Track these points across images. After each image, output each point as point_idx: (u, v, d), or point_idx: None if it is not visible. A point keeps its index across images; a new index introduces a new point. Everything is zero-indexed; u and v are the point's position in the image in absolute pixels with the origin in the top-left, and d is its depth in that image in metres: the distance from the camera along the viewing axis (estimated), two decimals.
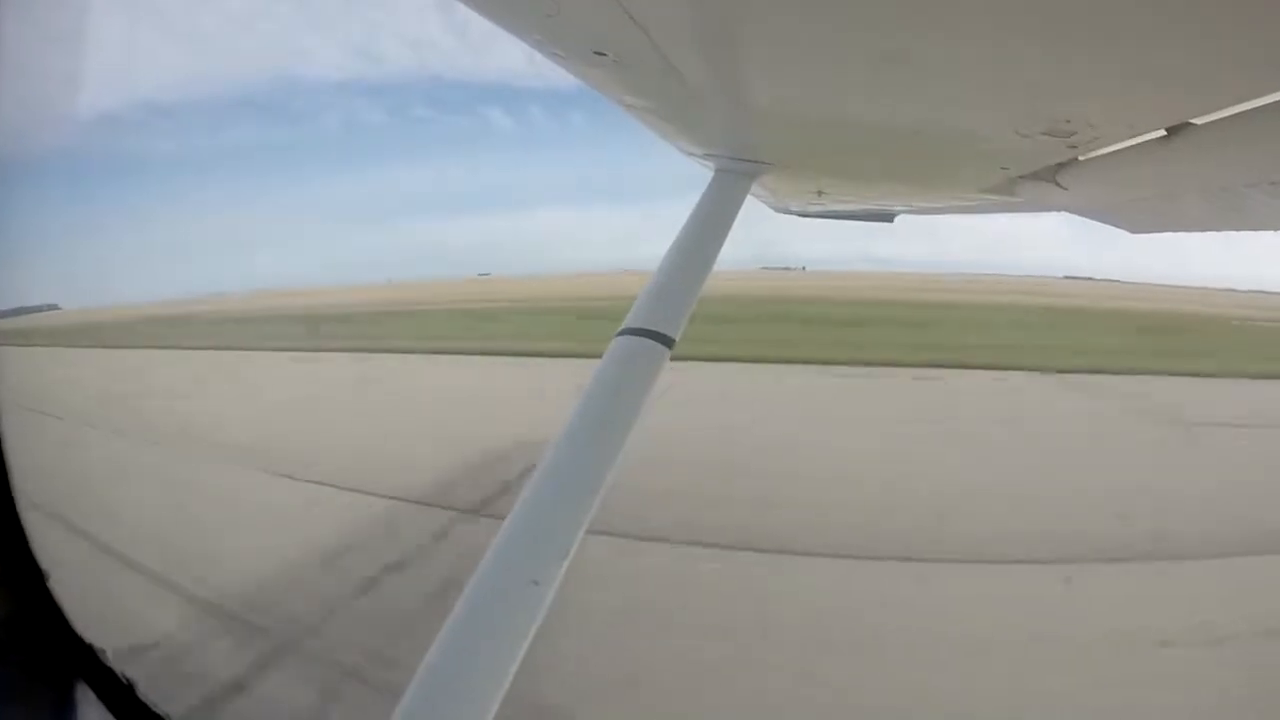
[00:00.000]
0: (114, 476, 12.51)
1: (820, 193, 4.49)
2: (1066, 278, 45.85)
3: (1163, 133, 1.95)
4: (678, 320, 2.66)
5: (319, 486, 11.72)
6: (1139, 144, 2.05)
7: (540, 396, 14.56)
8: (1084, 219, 3.45)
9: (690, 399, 14.57)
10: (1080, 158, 2.38)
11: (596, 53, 1.95)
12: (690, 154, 3.47)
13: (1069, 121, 1.93)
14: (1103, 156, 2.28)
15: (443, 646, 1.90)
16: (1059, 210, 3.34)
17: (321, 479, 11.96)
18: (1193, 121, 1.85)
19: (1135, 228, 3.31)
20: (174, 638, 7.39)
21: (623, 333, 2.59)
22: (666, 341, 2.58)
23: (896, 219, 5.26)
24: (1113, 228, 3.31)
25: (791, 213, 5.58)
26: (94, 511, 9.95)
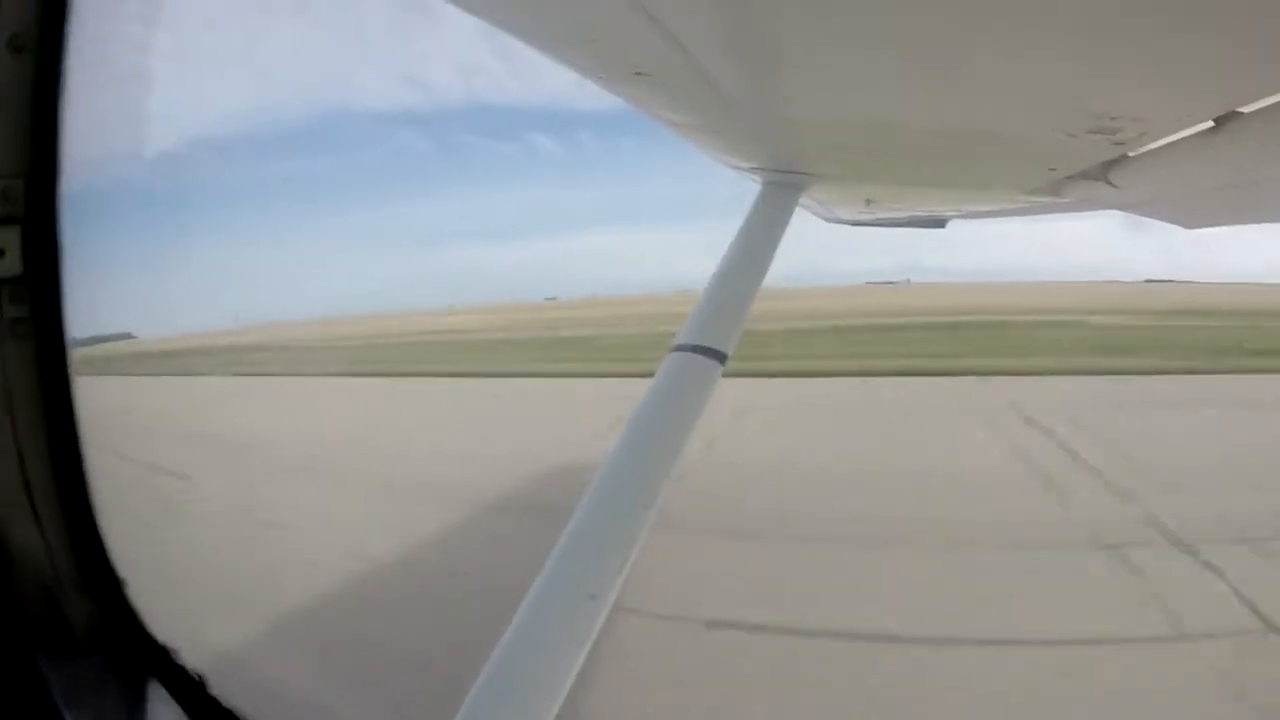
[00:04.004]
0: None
1: (869, 201, 4.49)
2: (1148, 281, 44.39)
3: (1211, 124, 1.93)
4: (730, 335, 2.68)
5: None
6: (1188, 137, 2.02)
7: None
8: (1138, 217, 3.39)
9: None
10: (1130, 154, 2.35)
11: (638, 73, 2.01)
12: (736, 168, 3.51)
13: (1114, 119, 1.92)
14: (1153, 151, 2.25)
15: (500, 660, 1.91)
16: (1111, 209, 3.28)
17: None
18: (1240, 110, 1.83)
19: (1190, 223, 3.23)
20: None
21: (676, 348, 2.61)
22: (719, 357, 2.60)
23: (948, 225, 5.22)
24: (1166, 224, 3.24)
25: (841, 222, 5.57)
26: None
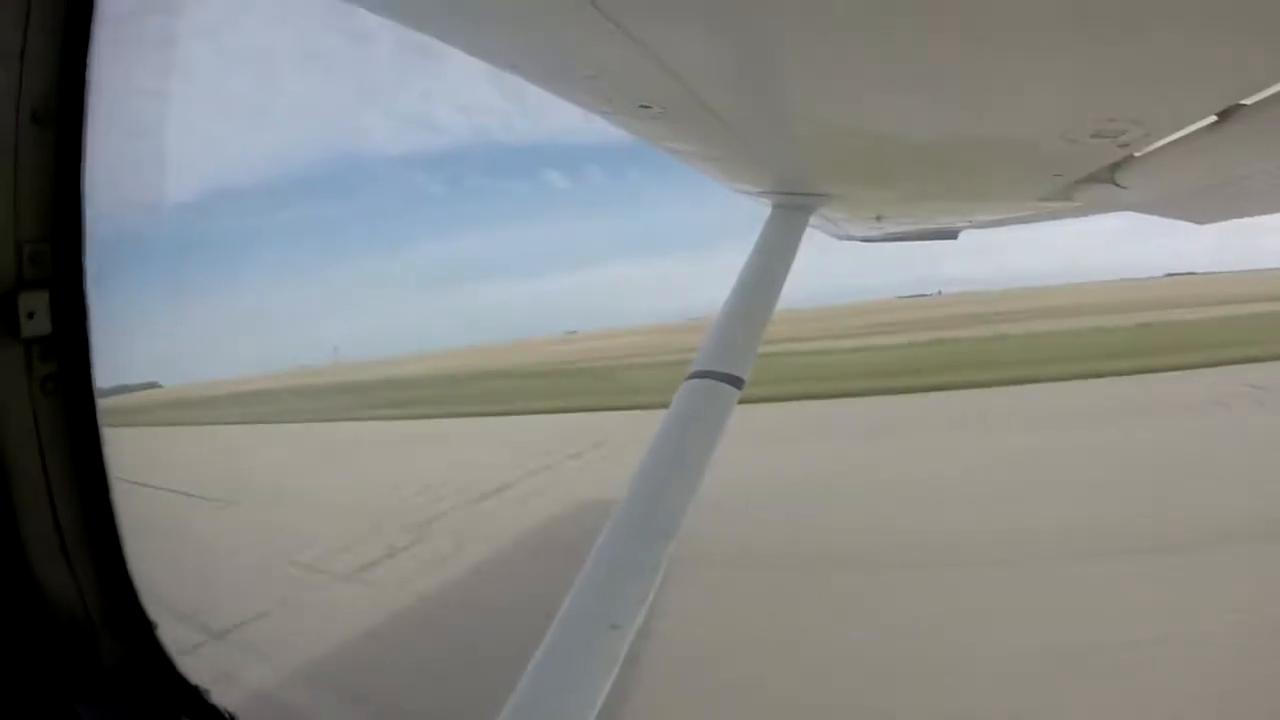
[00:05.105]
0: None
1: (879, 217, 4.49)
2: (1168, 275, 43.51)
3: (1214, 118, 1.92)
4: (745, 360, 2.66)
5: None
6: (1193, 133, 2.01)
7: None
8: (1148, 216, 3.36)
9: None
10: (1135, 155, 2.34)
11: (642, 106, 2.04)
12: (745, 193, 3.53)
13: (1114, 121, 1.92)
14: (1158, 150, 2.24)
15: (524, 692, 1.90)
16: (1121, 210, 3.25)
17: None
18: (1243, 103, 1.82)
19: (1202, 218, 3.19)
20: None
21: (692, 375, 2.59)
22: (735, 382, 2.58)
23: (960, 235, 5.20)
24: (1179, 221, 3.20)
25: (854, 239, 5.57)
26: None
